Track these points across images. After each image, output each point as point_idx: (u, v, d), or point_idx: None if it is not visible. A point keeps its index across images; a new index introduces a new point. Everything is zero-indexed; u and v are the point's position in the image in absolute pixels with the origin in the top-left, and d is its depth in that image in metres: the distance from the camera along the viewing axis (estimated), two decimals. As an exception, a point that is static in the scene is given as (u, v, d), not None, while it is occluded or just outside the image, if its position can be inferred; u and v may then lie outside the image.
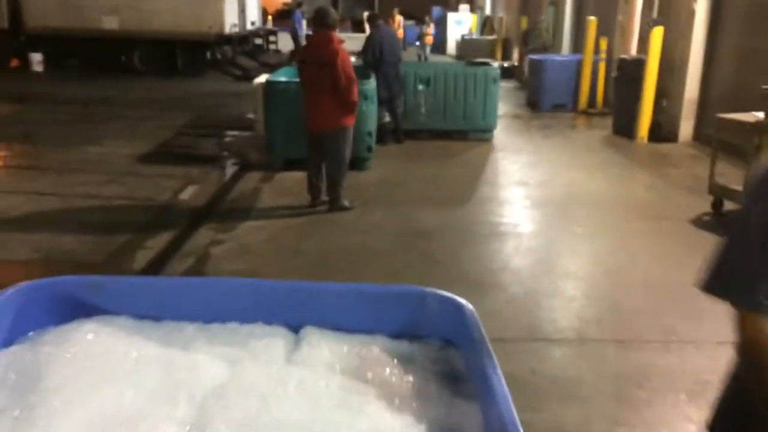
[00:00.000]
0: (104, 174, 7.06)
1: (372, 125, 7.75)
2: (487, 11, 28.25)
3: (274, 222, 5.73)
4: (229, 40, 16.31)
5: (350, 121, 6.00)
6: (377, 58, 8.92)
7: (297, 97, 6.30)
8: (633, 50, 11.43)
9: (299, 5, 20.84)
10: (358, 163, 7.70)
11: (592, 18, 12.42)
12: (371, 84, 7.73)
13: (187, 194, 6.48)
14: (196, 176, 7.22)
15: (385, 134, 9.24)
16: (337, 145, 5.98)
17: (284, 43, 21.42)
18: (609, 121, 10.72)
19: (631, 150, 9.31)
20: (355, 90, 5.88)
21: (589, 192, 6.99)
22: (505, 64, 19.44)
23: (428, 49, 22.73)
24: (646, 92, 9.69)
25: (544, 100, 12.82)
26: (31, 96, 12.78)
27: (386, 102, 9.15)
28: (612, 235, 5.59)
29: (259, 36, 19.46)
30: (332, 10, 5.93)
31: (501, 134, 10.19)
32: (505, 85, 16.83)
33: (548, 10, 16.74)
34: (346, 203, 6.17)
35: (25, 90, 13.67)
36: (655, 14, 10.28)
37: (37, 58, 16.01)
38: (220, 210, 6.10)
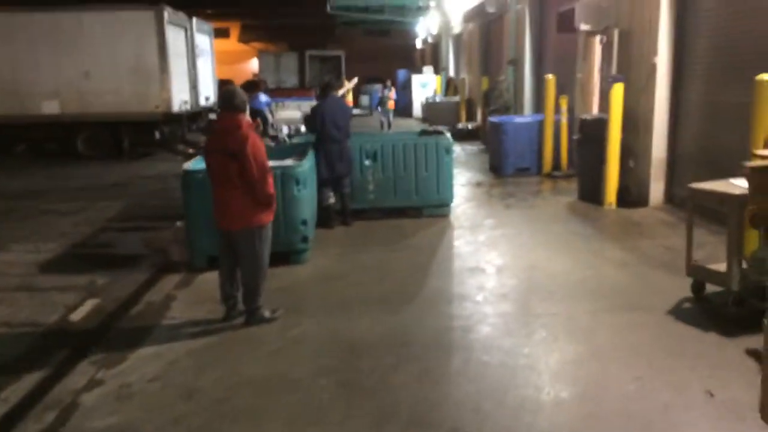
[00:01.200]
0: (-9, 289, 6.08)
1: (307, 212, 6.88)
2: (451, 72, 28.05)
3: (176, 346, 4.76)
4: (177, 118, 15.56)
5: (267, 218, 5.12)
6: (319, 133, 8.15)
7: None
8: (594, 109, 10.81)
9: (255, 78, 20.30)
10: (292, 256, 6.83)
11: (550, 76, 11.85)
12: (304, 166, 6.89)
13: (81, 313, 5.49)
14: (100, 286, 6.25)
15: (329, 218, 8.40)
16: (251, 247, 5.07)
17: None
18: (575, 185, 9.98)
19: (599, 218, 8.52)
20: (270, 182, 5.03)
21: (553, 276, 6.11)
22: (470, 126, 19.00)
23: (391, 115, 22.16)
24: (610, 153, 8.98)
25: (507, 165, 12.13)
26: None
27: (330, 182, 8.34)
28: (579, 341, 4.68)
29: (213, 111, 18.76)
30: (239, 91, 5.12)
31: (459, 207, 9.39)
32: (470, 149, 16.31)
33: (508, 69, 16.29)
34: (266, 314, 5.22)
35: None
36: (614, 70, 9.67)
37: (-27, 149, 15.16)
38: (115, 332, 5.12)
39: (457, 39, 26.47)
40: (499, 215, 8.95)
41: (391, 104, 22.21)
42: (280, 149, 8.51)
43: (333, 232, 8.20)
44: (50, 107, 14.96)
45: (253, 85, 15.74)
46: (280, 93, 28.82)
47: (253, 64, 42.53)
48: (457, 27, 25.28)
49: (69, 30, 14.90)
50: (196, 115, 17.69)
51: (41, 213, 9.62)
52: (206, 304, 5.58)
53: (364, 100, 36.71)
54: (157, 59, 14.95)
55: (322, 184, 8.27)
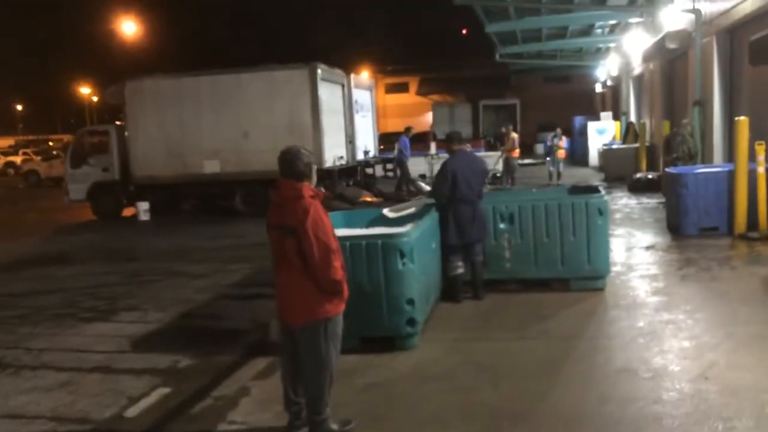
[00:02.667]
0: (66, 371, 5.66)
1: (415, 289, 5.78)
2: (632, 117, 25.68)
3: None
4: (329, 174, 15.32)
5: (335, 309, 4.13)
6: (448, 194, 7.08)
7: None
8: (801, 156, 8.65)
9: (407, 130, 19.79)
10: (397, 342, 5.75)
11: (742, 118, 9.80)
12: (411, 235, 5.84)
13: (141, 407, 4.81)
14: (180, 369, 5.61)
15: (457, 290, 7.23)
16: (315, 345, 4.09)
17: (415, 168, 20.26)
18: (777, 252, 7.92)
19: (810, 301, 6.49)
20: (338, 265, 4.04)
21: (734, 393, 4.43)
22: (649, 176, 16.84)
23: (561, 165, 20.48)
24: (824, 214, 6.91)
25: (687, 223, 10.17)
26: (103, 251, 12.31)
27: (460, 249, 7.20)
28: None
29: (369, 165, 18.46)
30: (304, 153, 4.24)
31: (620, 277, 7.78)
32: (647, 202, 14.26)
33: (693, 111, 14.12)
34: (334, 427, 4.17)
35: (107, 244, 13.36)
36: (826, 108, 7.62)
37: (143, 207, 15.97)
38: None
39: (638, 80, 24.22)
40: (670, 291, 7.20)
41: (561, 153, 20.56)
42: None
43: (459, 308, 7.01)
44: (211, 166, 15.42)
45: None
46: (440, 145, 28.22)
47: (430, 116, 42.74)
48: (637, 68, 23.11)
49: (228, 91, 15.36)
50: (352, 169, 17.43)
51: (169, 275, 9.49)
52: (276, 404, 4.65)
53: (539, 148, 35.01)
54: (310, 116, 14.87)
55: (450, 252, 7.17)
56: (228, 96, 15.37)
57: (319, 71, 14.86)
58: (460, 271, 7.24)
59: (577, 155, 28.89)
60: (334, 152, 15.88)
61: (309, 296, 4.03)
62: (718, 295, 6.86)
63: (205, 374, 5.45)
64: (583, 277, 7.32)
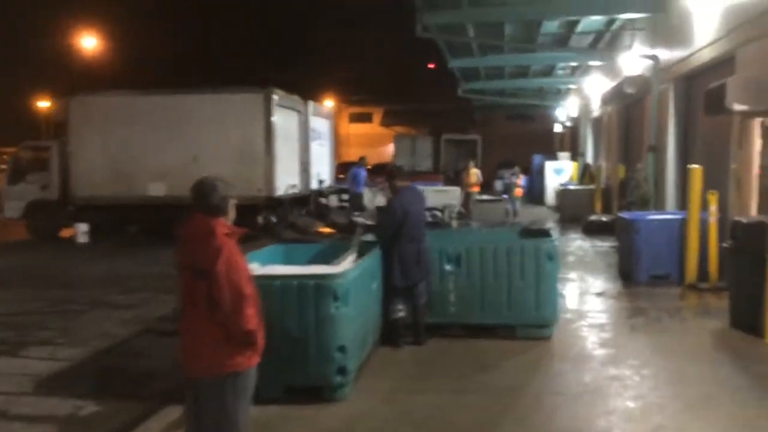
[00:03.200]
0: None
1: (348, 336, 5.36)
2: (589, 158, 25.89)
3: None
4: (280, 202, 14.86)
5: (245, 363, 3.66)
6: (393, 232, 6.70)
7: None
8: (753, 209, 8.54)
9: (361, 160, 19.49)
10: (325, 393, 5.30)
11: (696, 166, 9.71)
12: (347, 276, 5.43)
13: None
14: (82, 417, 5.05)
15: (397, 334, 6.82)
16: (219, 402, 3.61)
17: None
18: (726, 302, 7.71)
19: (759, 360, 6.26)
20: (251, 313, 3.59)
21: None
22: (603, 219, 16.78)
23: (518, 203, 20.40)
24: (775, 270, 6.73)
25: (639, 271, 9.98)
26: (30, 275, 11.58)
27: (402, 291, 6.81)
28: None
29: (323, 195, 18.05)
30: (221, 185, 3.81)
31: (569, 325, 7.49)
32: (601, 246, 14.13)
33: (648, 156, 14.12)
34: (238, 500, 3.69)
35: (37, 266, 12.62)
36: (778, 161, 7.53)
37: (82, 229, 15.20)
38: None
39: (596, 123, 24.46)
40: (618, 343, 6.91)
41: (518, 191, 20.51)
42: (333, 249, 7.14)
43: (397, 354, 6.60)
44: (156, 189, 14.81)
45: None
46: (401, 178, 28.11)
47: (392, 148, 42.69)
48: (596, 110, 23.34)
49: (180, 113, 14.86)
50: (305, 198, 17.00)
51: (95, 305, 8.88)
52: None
53: (498, 185, 35.16)
54: (263, 142, 14.45)
55: (393, 293, 6.78)
56: (179, 118, 14.87)
57: (274, 97, 14.50)
58: (402, 314, 6.85)
59: (535, 193, 28.98)
60: (286, 180, 15.46)
61: (217, 346, 3.57)
62: (666, 350, 6.59)
63: (108, 424, 4.91)
64: (529, 325, 6.99)
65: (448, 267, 7.06)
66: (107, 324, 7.89)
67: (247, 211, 14.96)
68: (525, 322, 6.98)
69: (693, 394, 5.34)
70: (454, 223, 19.04)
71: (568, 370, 6.05)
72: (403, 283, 6.73)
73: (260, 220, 15.11)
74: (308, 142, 16.90)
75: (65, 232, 16.14)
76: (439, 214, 19.29)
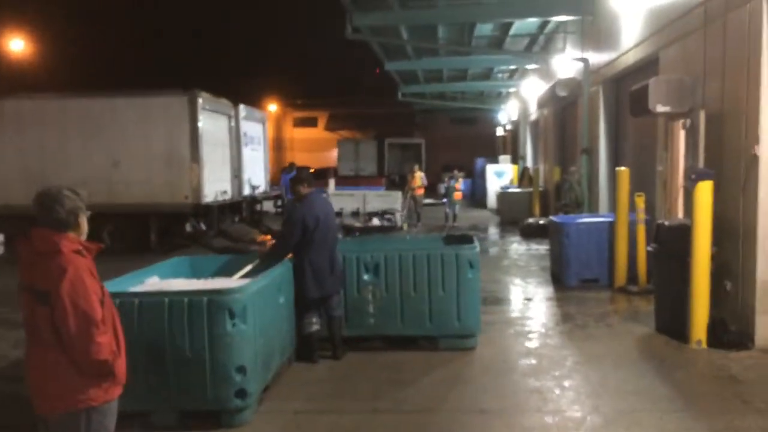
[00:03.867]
0: None
1: (248, 355, 4.94)
2: (529, 161, 26.02)
3: None
4: (209, 209, 14.27)
5: (101, 396, 3.20)
6: (301, 241, 6.30)
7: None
8: (680, 212, 8.47)
9: (290, 166, 19.06)
10: (223, 418, 4.87)
11: (623, 169, 9.65)
12: (245, 290, 5.00)
13: None
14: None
15: (312, 349, 6.44)
16: (69, 441, 3.16)
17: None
18: (653, 307, 7.59)
19: (682, 366, 6.10)
20: (103, 341, 3.13)
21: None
22: (540, 221, 16.74)
23: (457, 207, 20.24)
24: (697, 272, 6.62)
25: (569, 274, 9.86)
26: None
27: (315, 303, 6.44)
28: None
29: (257, 202, 17.51)
30: (68, 194, 3.33)
31: (495, 334, 7.26)
32: (536, 249, 14.03)
33: (581, 158, 14.12)
34: None
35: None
36: (701, 163, 7.44)
37: (-3, 239, 14.30)
38: None
39: (534, 126, 24.60)
40: (543, 352, 6.67)
41: (457, 195, 20.34)
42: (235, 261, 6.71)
43: (312, 370, 6.22)
44: (76, 197, 14.00)
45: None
46: (343, 182, 27.66)
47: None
48: (533, 113, 23.47)
49: (99, 116, 14.12)
50: (237, 205, 16.43)
51: (-9, 325, 8.20)
52: None
53: (442, 188, 35.22)
54: (189, 147, 13.85)
55: (306, 307, 6.39)
56: (98, 122, 14.10)
57: (199, 100, 13.90)
58: (316, 328, 6.47)
59: (478, 197, 29.02)
60: (215, 186, 14.86)
61: (67, 378, 3.12)
62: (590, 358, 6.38)
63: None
64: (452, 335, 6.71)
65: (366, 276, 6.72)
66: (2, 345, 7.25)
67: (174, 219, 14.43)
68: (447, 333, 6.70)
69: (613, 408, 5.11)
70: (405, 227, 18.90)
71: (488, 383, 5.76)
72: (317, 294, 6.36)
73: (188, 228, 14.51)
74: (240, 147, 16.32)
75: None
76: (392, 217, 19.06)
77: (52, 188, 3.31)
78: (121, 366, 3.26)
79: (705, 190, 6.57)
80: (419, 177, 20.73)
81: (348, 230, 16.51)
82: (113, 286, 5.42)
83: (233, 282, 5.67)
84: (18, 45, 34.37)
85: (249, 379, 4.93)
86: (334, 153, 42.03)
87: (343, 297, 6.65)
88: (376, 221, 18.72)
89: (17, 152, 14.24)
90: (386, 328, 6.74)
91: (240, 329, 4.86)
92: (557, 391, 5.50)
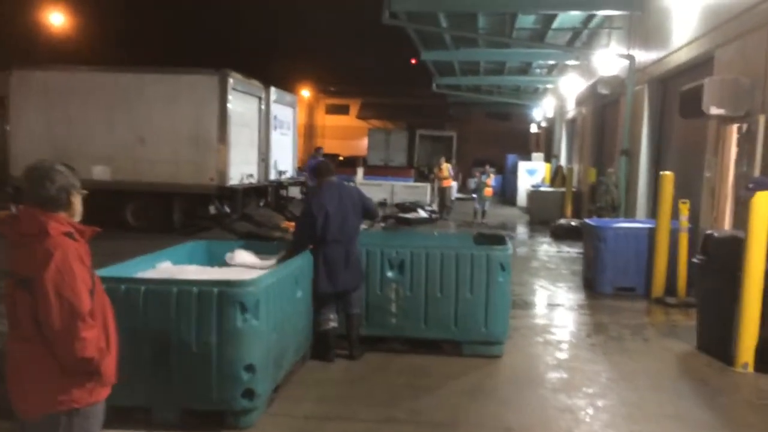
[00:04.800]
0: None
1: (257, 353, 4.59)
2: (563, 160, 25.37)
3: None
4: (233, 192, 14.00)
5: (84, 398, 2.84)
6: (315, 234, 5.95)
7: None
8: (727, 222, 7.94)
9: (316, 151, 18.71)
10: (227, 420, 4.54)
11: (668, 173, 9.10)
12: (259, 284, 4.64)
13: None
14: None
15: (328, 347, 6.08)
16: (49, 448, 2.83)
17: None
18: (694, 321, 7.09)
19: (725, 391, 5.62)
20: (89, 336, 2.77)
21: None
22: (573, 223, 16.17)
23: (487, 203, 19.77)
24: (748, 289, 6.10)
25: (603, 281, 9.37)
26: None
27: (332, 299, 6.09)
28: None
29: (283, 187, 17.21)
30: (60, 170, 2.96)
31: (520, 341, 6.82)
32: (568, 252, 13.52)
33: (620, 160, 13.53)
34: None
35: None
36: (757, 171, 6.90)
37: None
38: None
39: (571, 124, 23.93)
40: (573, 365, 6.24)
41: (488, 191, 19.86)
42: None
43: (327, 370, 5.87)
44: (101, 173, 13.84)
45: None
46: (372, 171, 27.24)
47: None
48: (571, 111, 22.80)
49: (127, 92, 13.90)
50: (263, 189, 16.15)
51: None
52: None
53: (472, 183, 34.74)
54: (217, 128, 13.56)
55: (321, 302, 6.05)
56: (126, 97, 13.89)
57: (230, 80, 13.60)
58: (333, 325, 6.11)
59: (508, 194, 28.41)
60: (241, 169, 14.59)
61: (48, 377, 2.78)
62: (625, 376, 5.92)
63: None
64: (477, 342, 6.30)
65: (389, 274, 6.33)
66: None
67: (199, 200, 14.19)
68: (472, 339, 6.29)
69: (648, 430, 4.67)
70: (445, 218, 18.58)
71: (513, 397, 5.35)
72: (329, 289, 6.00)
73: (212, 210, 14.27)
74: (269, 131, 16.04)
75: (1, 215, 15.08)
76: (425, 210, 18.68)
77: (43, 162, 2.97)
78: (109, 365, 2.92)
79: (763, 201, 6.04)
80: (446, 168, 20.36)
81: (385, 219, 16.19)
82: (122, 269, 5.15)
83: (248, 272, 5.31)
84: (58, 19, 34.51)
85: (258, 379, 4.58)
86: (365, 142, 41.67)
87: (365, 294, 6.28)
88: (422, 213, 18.31)
89: (44, 125, 14.09)
90: (408, 329, 6.35)
91: (251, 325, 4.51)
92: (590, 412, 5.07)
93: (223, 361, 4.46)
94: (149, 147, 13.85)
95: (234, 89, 13.80)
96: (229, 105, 13.59)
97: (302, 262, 5.71)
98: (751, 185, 6.07)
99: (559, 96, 24.88)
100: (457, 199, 21.65)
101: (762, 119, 6.90)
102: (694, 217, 8.92)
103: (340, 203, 6.02)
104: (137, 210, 14.29)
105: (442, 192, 20.59)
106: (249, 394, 4.54)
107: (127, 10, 37.97)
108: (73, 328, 2.72)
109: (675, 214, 8.79)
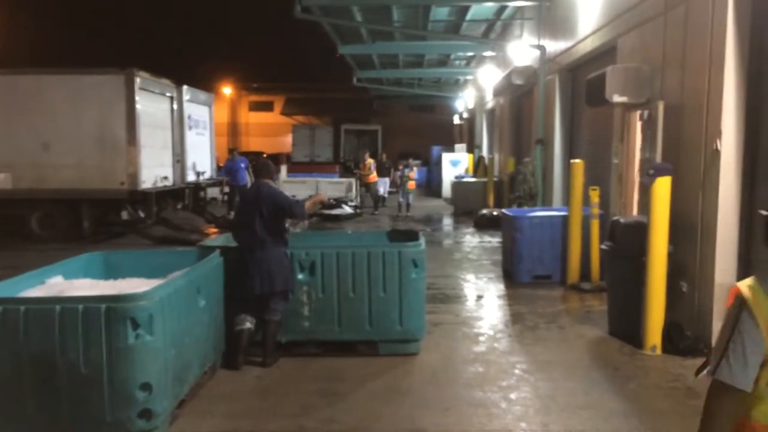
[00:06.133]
0: None
1: (152, 371, 4.32)
2: (485, 150, 25.69)
3: None
4: (147, 196, 13.46)
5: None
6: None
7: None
8: (635, 207, 8.13)
9: (231, 152, 18.31)
10: (120, 444, 4.25)
11: (577, 161, 9.27)
12: (152, 296, 4.37)
13: None
14: None
15: (237, 351, 5.87)
16: None
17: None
18: (606, 307, 7.23)
19: (635, 375, 5.71)
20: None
21: None
22: (494, 213, 16.35)
23: (411, 197, 19.79)
24: (652, 273, 6.24)
25: (521, 270, 9.47)
26: None
27: (250, 302, 5.94)
28: None
29: (201, 188, 16.70)
30: None
31: (440, 337, 6.78)
32: (489, 242, 13.64)
33: (535, 149, 13.75)
34: None
35: None
36: (658, 157, 7.06)
37: None
38: None
39: (490, 114, 24.26)
40: (491, 358, 6.22)
41: (411, 184, 19.88)
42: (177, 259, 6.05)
43: (237, 378, 5.65)
44: (1, 181, 13.06)
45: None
46: (297, 168, 26.84)
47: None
48: (490, 102, 23.09)
49: (27, 95, 13.15)
50: (180, 192, 15.61)
51: None
52: None
53: (396, 177, 34.75)
54: (125, 129, 13.00)
55: (239, 303, 5.90)
56: (26, 100, 13.13)
57: (137, 79, 13.05)
58: (247, 326, 5.94)
59: (433, 185, 28.59)
60: (155, 172, 14.05)
61: None
62: (540, 366, 5.94)
63: None
64: (393, 340, 6.20)
65: (300, 276, 6.15)
66: None
67: (109, 205, 13.58)
68: (388, 338, 6.19)
69: (564, 426, 4.67)
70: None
71: (428, 396, 5.27)
72: (242, 293, 5.87)
73: (124, 215, 13.68)
74: (183, 131, 15.52)
75: None
76: (349, 205, 18.44)
77: None
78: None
79: (663, 186, 6.18)
80: (370, 164, 20.30)
81: (311, 216, 15.86)
82: (7, 287, 4.77)
83: (142, 284, 5.01)
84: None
85: (155, 398, 4.32)
86: (290, 138, 41.16)
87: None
88: (347, 209, 18.11)
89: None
90: (322, 332, 6.20)
91: (145, 341, 4.24)
92: (503, 406, 5.04)
93: (115, 382, 4.18)
94: (53, 152, 13.16)
95: (142, 89, 13.25)
96: (137, 105, 13.05)
97: (204, 269, 5.45)
98: (651, 171, 6.18)
99: (479, 87, 25.16)
100: (390, 192, 21.56)
101: (661, 105, 7.06)
102: (605, 204, 9.11)
103: (252, 206, 5.88)
104: (43, 219, 13.57)
105: (367, 188, 20.49)
106: (146, 414, 4.28)
107: (35, 14, 36.23)
108: None
109: (587, 201, 8.95)
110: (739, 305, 1.94)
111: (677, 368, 5.79)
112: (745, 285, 1.98)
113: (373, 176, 20.53)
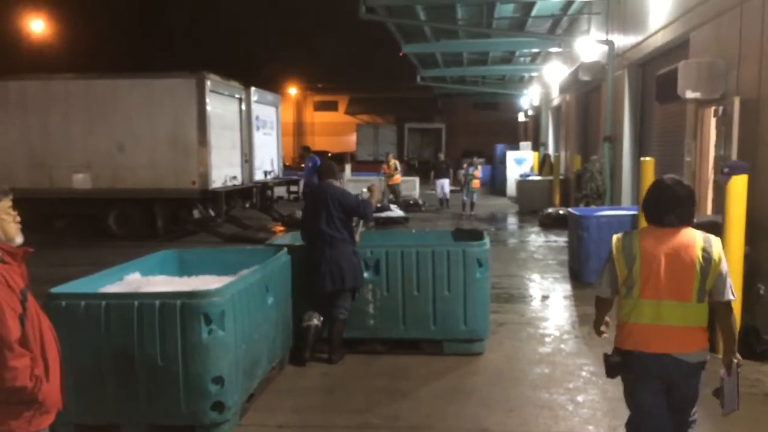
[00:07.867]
0: None
1: (225, 364, 4.48)
2: (550, 148, 25.27)
3: None
4: (217, 195, 13.86)
5: (23, 427, 2.72)
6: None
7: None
8: (709, 206, 7.86)
9: (305, 149, 18.55)
10: (197, 434, 4.43)
11: (648, 159, 9.01)
12: (225, 293, 4.53)
13: None
14: None
15: (304, 348, 6.00)
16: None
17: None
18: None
19: (713, 382, 5.52)
20: (18, 365, 2.58)
21: None
22: (561, 212, 16.09)
23: (475, 195, 19.60)
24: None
25: (588, 270, 9.28)
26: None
27: (318, 300, 6.07)
28: None
29: (269, 188, 17.05)
30: None
31: (507, 334, 6.75)
32: (555, 241, 13.44)
33: (603, 147, 13.44)
34: None
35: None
36: (734, 155, 6.81)
37: None
38: None
39: (556, 112, 23.85)
40: (555, 360, 6.15)
41: (475, 183, 19.68)
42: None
43: (304, 374, 5.78)
44: (81, 182, 13.71)
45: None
46: (361, 167, 27.03)
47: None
48: (555, 99, 22.71)
49: (104, 99, 13.74)
50: (248, 191, 16.00)
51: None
52: None
53: (461, 175, 34.57)
54: (196, 131, 13.42)
55: (307, 301, 6.07)
56: (103, 104, 13.72)
57: (208, 82, 13.44)
58: (315, 323, 6.06)
59: (498, 184, 28.30)
60: (224, 172, 14.45)
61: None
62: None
63: None
64: (457, 340, 6.21)
65: (366, 274, 6.24)
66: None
67: (181, 204, 14.05)
68: (452, 337, 6.20)
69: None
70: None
71: (493, 396, 5.26)
72: (310, 289, 6.01)
73: (196, 214, 14.13)
74: (251, 131, 15.89)
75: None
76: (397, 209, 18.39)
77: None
78: (50, 392, 2.79)
79: (739, 185, 5.95)
80: (394, 165, 19.84)
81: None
82: (87, 283, 5.02)
83: (214, 281, 5.19)
84: (38, 26, 34.14)
85: (227, 391, 4.47)
86: (354, 137, 41.53)
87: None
88: (396, 211, 17.68)
89: (20, 135, 13.94)
90: (387, 330, 6.27)
91: (217, 336, 4.40)
92: (570, 408, 4.98)
93: (189, 375, 4.36)
94: (128, 153, 13.71)
95: (212, 91, 13.64)
96: (207, 107, 13.44)
97: (273, 267, 5.60)
98: (726, 169, 5.97)
99: (544, 84, 24.77)
100: (452, 191, 21.42)
101: (737, 101, 6.80)
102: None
103: (314, 203, 6.02)
104: (119, 217, 14.15)
105: (392, 189, 19.83)
106: (218, 406, 4.44)
107: (106, 15, 37.72)
108: (1, 358, 2.60)
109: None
110: (609, 254, 3.42)
111: (755, 373, 5.59)
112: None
113: (397, 177, 20.02)
